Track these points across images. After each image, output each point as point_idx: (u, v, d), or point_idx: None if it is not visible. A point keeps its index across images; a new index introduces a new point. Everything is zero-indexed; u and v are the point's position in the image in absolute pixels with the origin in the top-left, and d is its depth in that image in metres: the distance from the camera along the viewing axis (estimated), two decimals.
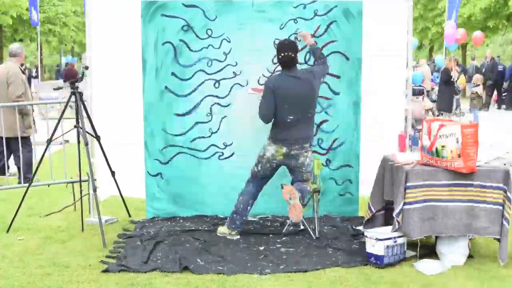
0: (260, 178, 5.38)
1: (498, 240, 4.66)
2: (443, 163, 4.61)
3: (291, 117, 5.16)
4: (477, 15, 20.91)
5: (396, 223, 4.59)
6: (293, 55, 5.20)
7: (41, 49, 23.45)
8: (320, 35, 5.81)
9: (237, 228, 5.35)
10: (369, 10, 5.78)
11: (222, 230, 5.39)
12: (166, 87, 5.83)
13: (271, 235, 5.39)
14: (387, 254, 4.55)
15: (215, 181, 5.84)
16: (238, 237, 5.29)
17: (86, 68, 5.77)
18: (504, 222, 4.59)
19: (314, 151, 5.89)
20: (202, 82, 5.84)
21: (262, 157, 5.29)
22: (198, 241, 5.18)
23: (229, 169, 5.92)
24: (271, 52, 5.78)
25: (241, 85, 5.86)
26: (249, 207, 5.38)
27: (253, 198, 5.41)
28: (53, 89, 7.13)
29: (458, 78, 15.87)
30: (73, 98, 5.55)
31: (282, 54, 5.20)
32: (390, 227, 4.72)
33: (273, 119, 5.24)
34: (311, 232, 5.35)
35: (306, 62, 5.82)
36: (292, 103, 5.14)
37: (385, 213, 5.12)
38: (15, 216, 5.58)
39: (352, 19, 5.78)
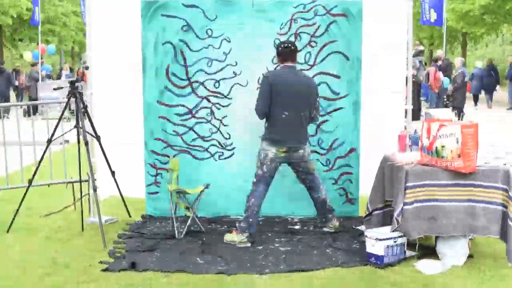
0: (268, 178, 5.31)
1: (501, 240, 4.65)
2: (443, 163, 4.61)
3: (286, 113, 5.15)
4: (475, 11, 20.92)
5: (396, 223, 4.59)
6: (293, 47, 5.24)
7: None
8: (320, 35, 5.81)
9: (251, 232, 5.17)
10: (369, 10, 5.78)
11: (230, 237, 5.18)
12: (166, 87, 5.83)
13: (270, 235, 5.39)
14: (387, 254, 4.55)
15: (215, 181, 5.83)
16: (249, 245, 5.09)
17: (87, 68, 5.77)
18: (510, 223, 4.56)
19: (314, 151, 5.90)
20: (202, 82, 5.84)
21: (265, 158, 5.23)
22: (198, 241, 5.18)
23: (229, 169, 5.92)
24: (271, 52, 5.79)
25: (241, 85, 5.87)
26: (257, 210, 5.31)
27: (263, 199, 5.35)
28: (53, 89, 7.11)
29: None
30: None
31: (283, 46, 5.24)
32: (390, 227, 4.71)
33: (267, 116, 5.21)
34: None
35: (306, 62, 5.82)
36: (288, 98, 5.14)
37: (383, 213, 5.12)
38: (15, 216, 5.58)
39: (352, 19, 5.78)
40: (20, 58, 31.34)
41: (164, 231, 5.46)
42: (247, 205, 5.23)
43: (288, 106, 5.14)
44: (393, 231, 4.62)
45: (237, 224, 5.23)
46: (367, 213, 5.20)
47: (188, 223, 5.41)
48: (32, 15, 17.77)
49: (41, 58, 20.19)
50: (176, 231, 5.29)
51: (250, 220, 5.18)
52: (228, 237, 5.20)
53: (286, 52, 5.25)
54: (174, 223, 5.34)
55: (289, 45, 5.28)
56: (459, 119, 13.84)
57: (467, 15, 21.51)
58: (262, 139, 5.28)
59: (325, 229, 5.45)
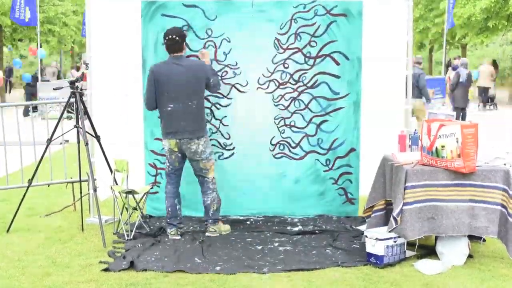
0: (173, 173, 5.38)
1: (501, 240, 4.65)
2: (443, 163, 4.61)
3: (171, 106, 5.18)
4: (477, 16, 20.91)
5: (393, 222, 4.59)
6: (178, 39, 5.21)
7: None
8: (320, 35, 5.81)
9: (175, 228, 5.34)
10: (369, 10, 5.79)
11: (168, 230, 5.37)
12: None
13: (268, 234, 5.39)
14: (387, 254, 4.54)
15: None
16: (179, 237, 5.27)
17: (86, 66, 5.77)
18: (510, 222, 4.55)
19: (314, 151, 5.90)
20: None
21: (166, 152, 5.34)
22: (198, 241, 5.18)
23: (229, 169, 5.92)
24: (271, 52, 5.80)
25: (241, 85, 5.87)
26: (178, 206, 5.40)
27: (178, 197, 5.42)
28: (53, 89, 7.10)
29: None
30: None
31: (167, 38, 5.22)
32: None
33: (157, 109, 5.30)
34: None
35: (306, 62, 5.83)
36: (172, 91, 5.16)
37: (384, 213, 5.12)
38: (15, 216, 5.58)
39: (352, 19, 5.78)
40: (20, 58, 31.35)
41: (164, 231, 5.44)
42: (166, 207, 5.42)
43: (173, 99, 5.18)
44: (389, 231, 4.61)
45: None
46: (365, 209, 5.21)
47: (136, 224, 5.44)
48: (30, 15, 17.70)
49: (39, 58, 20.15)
50: (125, 233, 5.30)
51: (169, 220, 5.37)
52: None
53: (169, 45, 5.22)
54: (123, 225, 5.36)
55: (173, 36, 5.20)
56: (460, 119, 13.86)
57: (469, 21, 21.47)
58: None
59: (207, 233, 5.42)
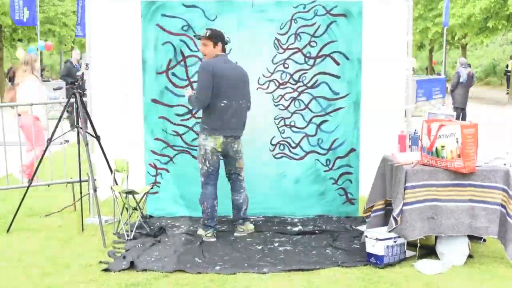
0: (213, 174, 5.31)
1: (501, 240, 4.65)
2: (443, 163, 4.61)
3: (225, 102, 5.14)
4: (477, 15, 20.93)
5: (393, 222, 4.59)
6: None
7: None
8: (320, 35, 5.81)
9: (212, 230, 5.29)
10: (369, 10, 5.79)
11: (199, 232, 5.36)
12: (166, 87, 5.84)
13: (268, 234, 5.40)
14: (387, 254, 4.55)
15: None
16: (215, 239, 5.21)
17: (87, 66, 5.78)
18: (510, 222, 4.55)
19: (314, 151, 5.91)
20: None
21: (206, 153, 5.22)
22: (198, 241, 5.18)
23: None
24: (271, 52, 5.80)
25: None
26: (216, 208, 5.34)
27: (216, 198, 5.36)
28: (53, 89, 7.11)
29: None
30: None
31: (224, 37, 5.25)
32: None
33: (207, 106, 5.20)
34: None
35: (306, 62, 5.83)
36: (228, 88, 5.14)
37: (384, 213, 5.12)
38: (15, 216, 5.58)
39: (352, 19, 5.78)
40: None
41: (164, 231, 5.44)
42: (202, 208, 5.34)
43: (227, 96, 5.14)
44: (389, 231, 4.61)
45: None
46: (365, 209, 5.22)
47: (136, 224, 5.44)
48: (29, 16, 17.68)
49: (40, 57, 20.16)
50: (125, 233, 5.30)
51: (206, 221, 5.31)
52: (198, 231, 5.38)
53: (224, 43, 5.26)
54: (123, 225, 5.36)
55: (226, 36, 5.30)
56: (460, 119, 13.87)
57: (469, 21, 21.49)
58: (201, 132, 5.29)
59: (235, 234, 5.41)
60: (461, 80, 13.67)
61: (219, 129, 5.17)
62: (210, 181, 5.30)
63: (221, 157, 5.32)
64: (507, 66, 26.70)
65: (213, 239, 5.22)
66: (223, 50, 5.27)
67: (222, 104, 5.14)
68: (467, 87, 13.92)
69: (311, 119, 5.89)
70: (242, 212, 5.43)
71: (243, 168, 5.42)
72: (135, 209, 5.58)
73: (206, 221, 5.31)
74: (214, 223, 5.31)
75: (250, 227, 5.47)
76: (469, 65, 19.10)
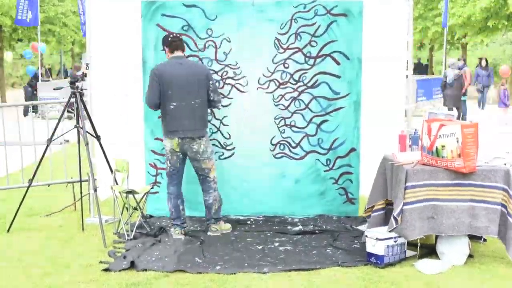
0: (175, 174, 5.37)
1: (501, 239, 4.65)
2: (443, 162, 4.61)
3: (174, 104, 5.16)
4: (477, 15, 20.91)
5: (394, 222, 4.59)
6: (180, 38, 5.30)
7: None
8: (321, 35, 5.81)
9: (179, 228, 5.36)
10: (369, 10, 5.79)
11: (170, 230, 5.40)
12: None
13: (268, 234, 5.39)
14: (387, 254, 4.54)
15: None
16: (183, 237, 5.27)
17: (87, 66, 5.78)
18: (510, 222, 4.55)
19: (314, 151, 5.90)
20: None
21: (166, 153, 5.31)
22: (198, 241, 5.18)
23: (230, 168, 5.92)
24: (271, 52, 5.80)
25: (241, 85, 5.87)
26: (181, 207, 5.41)
27: (181, 197, 5.42)
28: (53, 89, 7.10)
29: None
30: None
31: (170, 37, 5.26)
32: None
33: (160, 109, 5.26)
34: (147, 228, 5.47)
35: (306, 62, 5.83)
36: (175, 89, 5.14)
37: (384, 213, 5.11)
38: (15, 216, 5.58)
39: (352, 19, 5.78)
40: (20, 58, 31.31)
41: (164, 231, 5.44)
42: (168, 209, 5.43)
43: (177, 97, 5.16)
44: (390, 231, 4.61)
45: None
46: (365, 209, 5.22)
47: (136, 224, 5.45)
48: (32, 16, 17.68)
49: (41, 57, 20.15)
50: (125, 233, 5.30)
51: (173, 221, 5.40)
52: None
53: (173, 42, 5.25)
54: (123, 225, 5.36)
55: (176, 35, 5.32)
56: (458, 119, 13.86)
57: (469, 21, 21.47)
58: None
59: (208, 233, 5.44)
60: (447, 81, 13.71)
61: (172, 131, 5.22)
62: (172, 180, 5.38)
63: (182, 157, 5.34)
64: None
65: (181, 236, 5.27)
66: (182, 51, 5.28)
67: (172, 107, 5.17)
68: (457, 88, 13.92)
69: (311, 119, 5.89)
70: (213, 212, 5.44)
71: (212, 168, 5.41)
72: (135, 209, 5.58)
73: (172, 221, 5.40)
74: (181, 221, 5.38)
75: (224, 226, 5.48)
76: (465, 65, 19.09)
